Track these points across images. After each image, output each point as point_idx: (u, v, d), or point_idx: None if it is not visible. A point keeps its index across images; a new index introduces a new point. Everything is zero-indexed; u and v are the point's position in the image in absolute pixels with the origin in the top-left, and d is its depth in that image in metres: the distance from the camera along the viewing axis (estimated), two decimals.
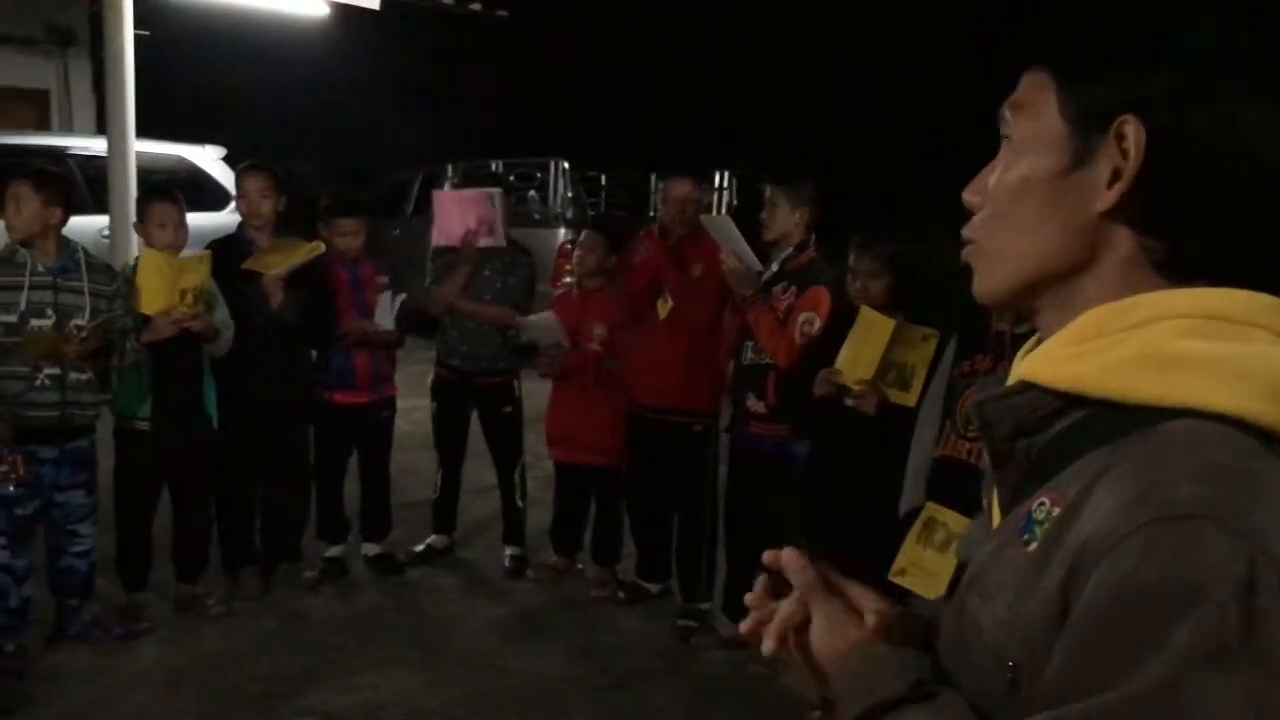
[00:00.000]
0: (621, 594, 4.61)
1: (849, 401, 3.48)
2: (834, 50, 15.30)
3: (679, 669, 4.04)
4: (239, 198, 4.35)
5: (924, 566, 3.09)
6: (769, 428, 3.95)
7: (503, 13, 9.58)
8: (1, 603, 3.66)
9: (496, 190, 4.79)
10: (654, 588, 4.60)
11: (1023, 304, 0.95)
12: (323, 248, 4.32)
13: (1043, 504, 0.85)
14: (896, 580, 3.16)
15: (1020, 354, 0.97)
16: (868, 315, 3.50)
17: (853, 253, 3.65)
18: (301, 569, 4.63)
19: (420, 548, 4.98)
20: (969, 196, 0.97)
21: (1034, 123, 0.91)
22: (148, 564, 4.18)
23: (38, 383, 3.58)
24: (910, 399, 3.42)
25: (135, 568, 4.15)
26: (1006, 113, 0.94)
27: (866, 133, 14.29)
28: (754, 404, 3.99)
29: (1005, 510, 0.93)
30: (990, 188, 0.94)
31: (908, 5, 14.93)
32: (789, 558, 1.04)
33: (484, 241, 4.63)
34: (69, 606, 3.92)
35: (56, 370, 3.60)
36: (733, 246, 3.88)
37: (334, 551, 4.74)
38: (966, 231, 0.98)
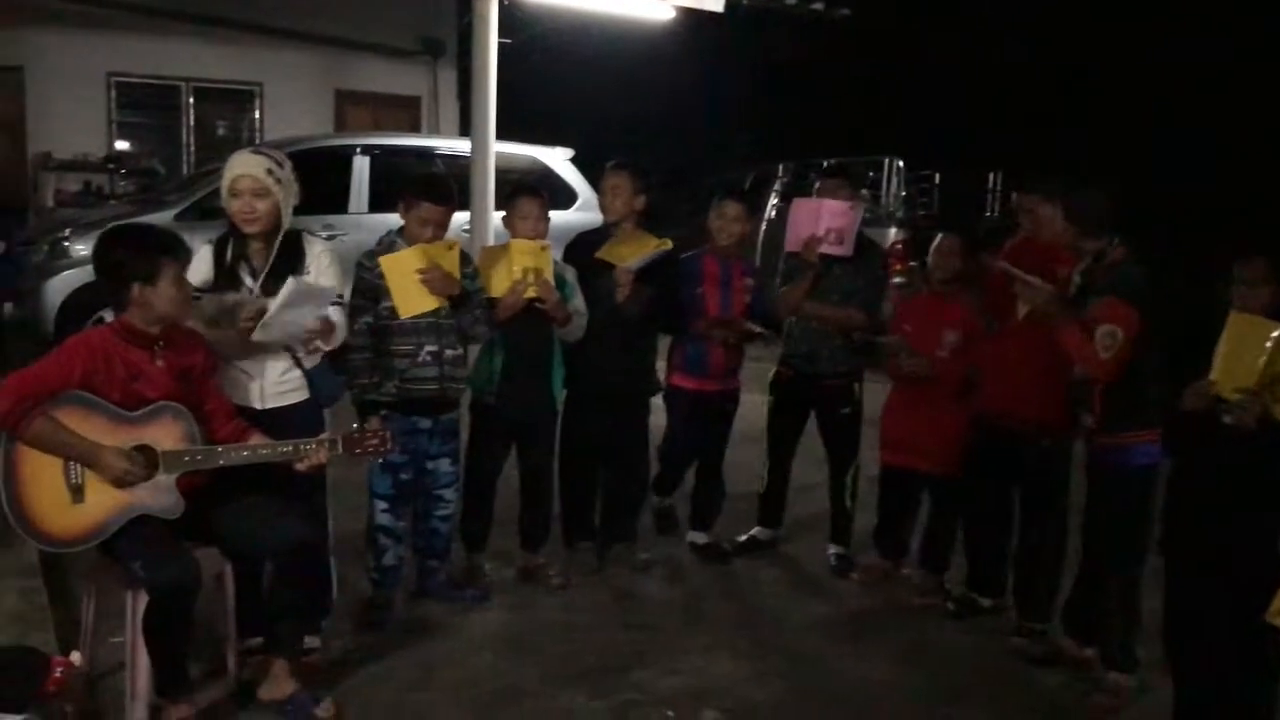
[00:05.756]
0: (950, 605, 4.45)
1: (1226, 419, 3.17)
2: (1178, 49, 14.09)
3: (1013, 690, 3.85)
4: (602, 194, 4.56)
5: None
6: (1108, 440, 3.70)
7: (845, 11, 9.52)
8: (378, 560, 4.05)
9: (860, 202, 4.76)
10: (986, 602, 4.41)
11: None
12: (671, 244, 4.46)
13: None
14: (1276, 622, 2.86)
15: None
16: (1241, 321, 3.18)
17: (1236, 264, 3.34)
18: (634, 550, 4.81)
19: (744, 538, 5.04)
20: None
21: None
22: (488, 529, 4.46)
23: (420, 359, 3.92)
24: None
25: (477, 530, 4.44)
26: None
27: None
28: (1086, 419, 3.76)
29: None
30: None
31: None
32: None
33: (828, 249, 4.61)
34: (429, 567, 4.26)
35: (435, 348, 3.92)
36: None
37: (666, 502, 4.91)
38: None
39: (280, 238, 3.47)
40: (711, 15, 9.22)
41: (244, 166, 3.41)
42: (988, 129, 15.31)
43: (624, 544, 4.79)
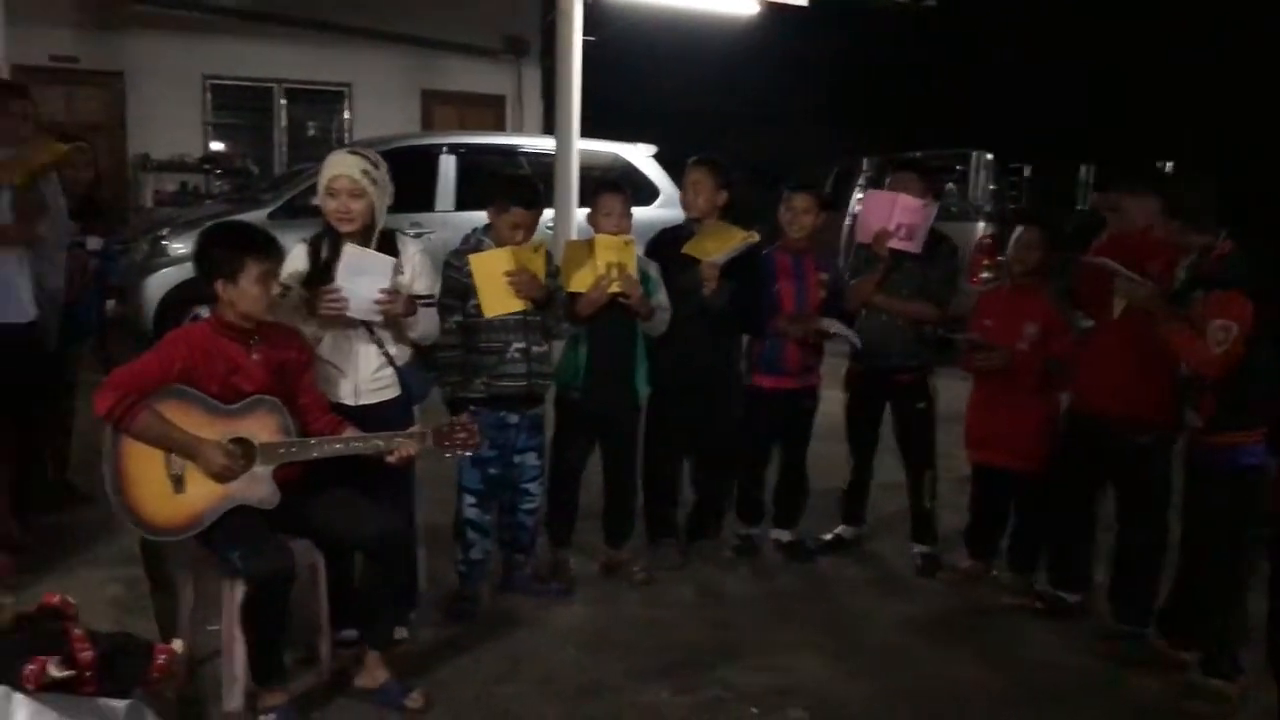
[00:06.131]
0: (1039, 604, 4.36)
1: None
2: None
3: (1106, 692, 3.75)
4: (684, 190, 4.56)
5: None
6: (1216, 439, 3.60)
7: (930, 2, 9.38)
8: (466, 553, 4.11)
9: (934, 201, 4.71)
10: (1072, 599, 4.32)
11: None
12: (757, 237, 4.44)
13: None
14: None
15: None
16: None
17: None
18: (718, 546, 4.80)
19: (829, 536, 5.00)
20: None
21: None
22: (572, 524, 4.49)
23: (508, 356, 3.96)
24: None
25: (564, 526, 4.47)
26: None
27: None
28: (1192, 417, 3.65)
29: None
30: None
31: None
32: None
33: (898, 245, 4.56)
34: (515, 560, 4.31)
35: (523, 344, 3.96)
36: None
37: (749, 531, 4.88)
38: None
39: (375, 237, 3.53)
40: (794, 8, 9.16)
41: (341, 167, 3.48)
42: (1080, 121, 14.96)
43: (708, 540, 4.77)
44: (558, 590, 4.33)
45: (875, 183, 10.68)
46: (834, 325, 4.60)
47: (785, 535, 4.93)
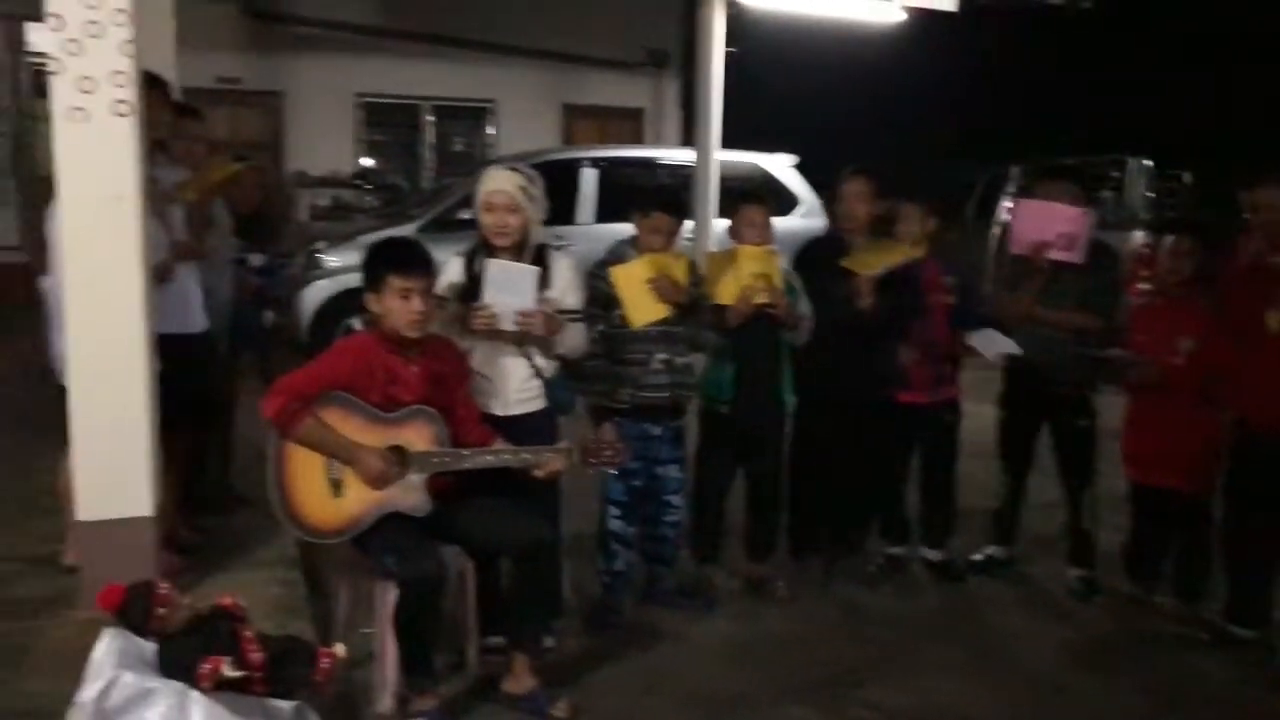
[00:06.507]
0: (1204, 635, 4.14)
1: None
2: None
3: None
4: (839, 200, 4.48)
5: None
6: None
7: (1087, 4, 9.04)
8: (609, 564, 4.13)
9: (1092, 208, 4.53)
10: (1246, 634, 4.08)
11: None
12: (918, 253, 4.35)
13: None
14: None
15: None
16: None
17: None
18: (862, 563, 4.71)
19: (979, 557, 4.84)
20: None
21: None
22: (718, 541, 4.47)
23: (652, 366, 3.97)
24: None
25: (708, 541, 4.45)
26: None
27: None
28: None
29: None
30: None
31: None
32: None
33: (1058, 255, 4.39)
34: (657, 573, 4.31)
35: (667, 355, 3.97)
36: None
37: (895, 550, 4.77)
38: None
39: (528, 251, 3.59)
40: (939, 14, 8.96)
41: (498, 182, 3.55)
42: (1243, 125, 14.21)
43: (851, 557, 4.69)
44: (700, 605, 4.30)
45: (1025, 191, 10.37)
46: (985, 341, 4.47)
47: (934, 554, 4.80)
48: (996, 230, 10.58)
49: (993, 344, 4.51)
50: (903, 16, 8.70)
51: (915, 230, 4.54)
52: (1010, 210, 4.83)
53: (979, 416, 4.83)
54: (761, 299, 4.09)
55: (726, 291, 4.13)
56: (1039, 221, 4.47)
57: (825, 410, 4.37)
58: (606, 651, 3.90)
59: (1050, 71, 16.88)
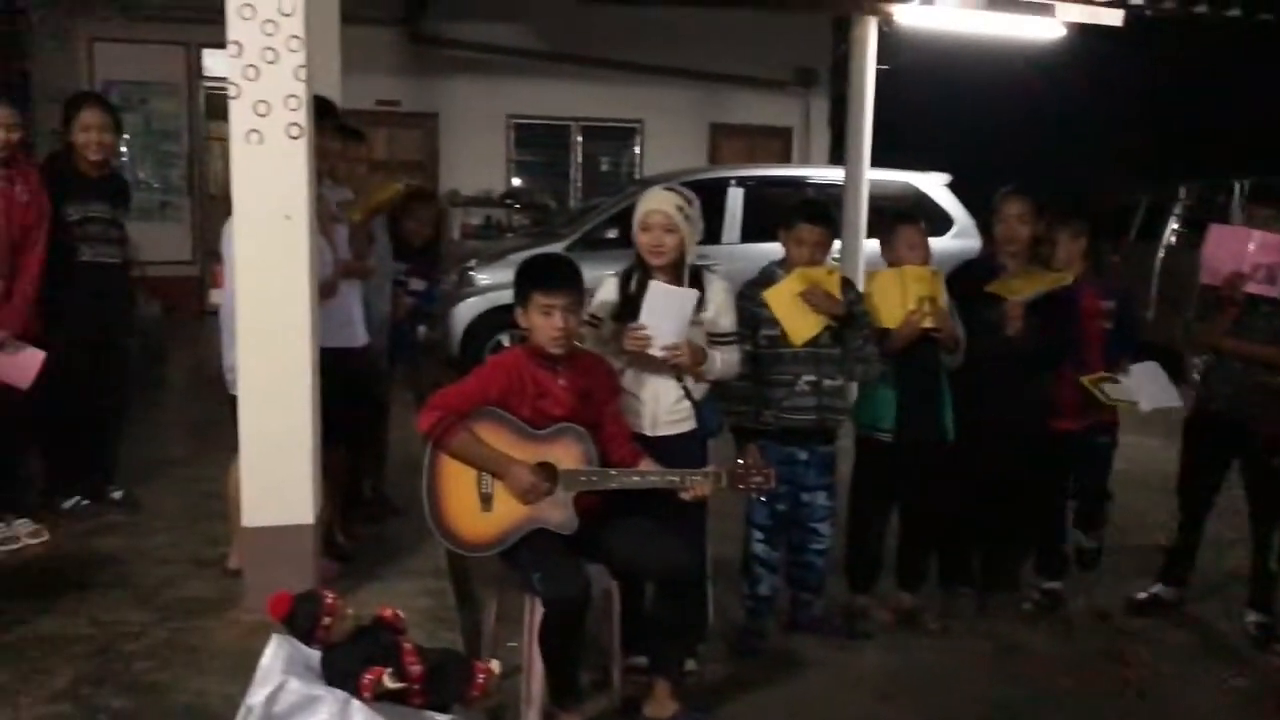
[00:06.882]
0: None
1: None
2: None
3: None
4: (999, 222, 4.33)
5: None
6: None
7: (1266, 16, 8.58)
8: (753, 589, 4.08)
9: None
10: None
11: None
12: (1069, 279, 4.18)
13: None
14: None
15: None
16: None
17: None
18: (1017, 599, 4.53)
19: (1144, 596, 4.60)
20: None
21: None
22: (876, 571, 4.36)
23: (798, 389, 3.91)
24: None
25: (863, 572, 4.35)
26: None
27: None
28: None
29: None
30: None
31: None
32: None
33: (1256, 289, 4.14)
34: (803, 600, 4.23)
35: (814, 377, 3.91)
36: None
37: (1052, 585, 4.57)
38: None
39: (683, 272, 3.58)
40: (1101, 29, 8.64)
41: (657, 202, 3.56)
42: None
43: (1006, 592, 4.52)
44: (846, 633, 4.21)
45: (1197, 211, 9.88)
46: (1144, 387, 4.26)
47: (1092, 590, 4.58)
48: (1161, 254, 10.11)
49: (1152, 392, 4.28)
50: (1063, 32, 8.42)
51: (1063, 253, 4.38)
52: (1205, 236, 4.54)
53: (1137, 448, 4.59)
54: (928, 323, 3.98)
55: (890, 315, 4.03)
56: (1235, 249, 4.21)
57: (978, 438, 4.22)
58: (750, 678, 3.84)
59: (1225, 85, 16.04)
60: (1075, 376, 4.34)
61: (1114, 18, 7.96)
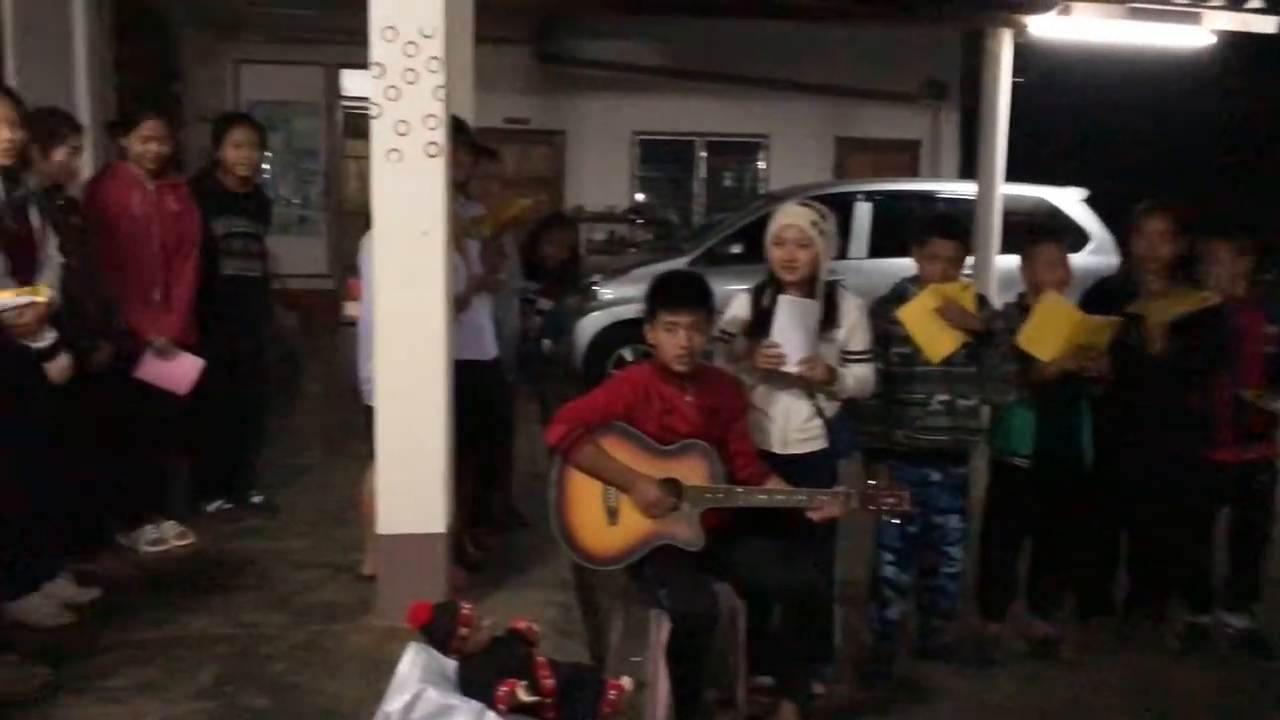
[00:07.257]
0: None
1: None
2: None
3: None
4: (1139, 238, 4.17)
5: None
6: None
7: None
8: (882, 612, 4.00)
9: None
10: None
11: None
12: (1216, 298, 3.99)
13: None
14: None
15: None
16: None
17: None
18: (1160, 631, 4.33)
19: None
20: None
21: None
22: (1009, 597, 4.23)
23: (931, 408, 3.83)
24: None
25: (996, 599, 4.22)
26: None
27: None
28: None
29: None
30: None
31: None
32: None
33: None
34: (933, 625, 4.12)
35: (947, 397, 3.82)
36: None
37: (1200, 619, 4.35)
38: None
39: (818, 288, 3.53)
40: (1254, 36, 8.27)
41: (791, 217, 3.53)
42: None
43: (1152, 623, 4.33)
44: (979, 662, 4.09)
45: None
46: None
47: (1239, 621, 4.34)
48: None
49: None
50: (1211, 40, 8.08)
51: (1225, 271, 4.17)
52: None
53: None
54: (1089, 374, 3.89)
55: (1045, 348, 3.87)
56: None
57: (1121, 462, 4.06)
58: (877, 704, 3.78)
59: None
60: (1234, 394, 4.14)
61: (1269, 24, 7.61)
